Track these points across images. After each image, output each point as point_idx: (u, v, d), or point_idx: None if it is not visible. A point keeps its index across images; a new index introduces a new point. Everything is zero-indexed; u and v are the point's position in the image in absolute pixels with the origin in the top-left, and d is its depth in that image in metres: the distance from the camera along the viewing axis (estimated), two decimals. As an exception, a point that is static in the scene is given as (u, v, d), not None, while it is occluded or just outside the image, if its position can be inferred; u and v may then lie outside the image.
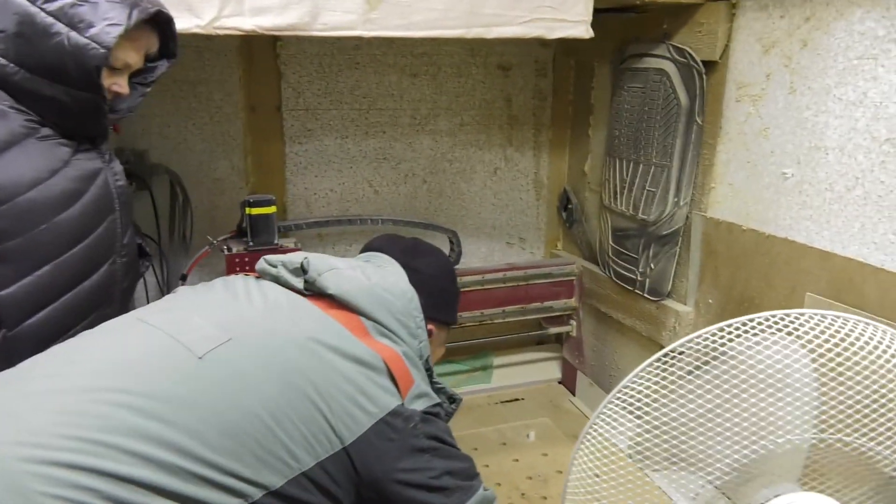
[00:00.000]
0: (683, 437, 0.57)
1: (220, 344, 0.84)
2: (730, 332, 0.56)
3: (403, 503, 0.88)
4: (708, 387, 0.55)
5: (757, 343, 0.56)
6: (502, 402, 2.18)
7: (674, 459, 0.58)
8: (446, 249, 2.10)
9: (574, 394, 2.22)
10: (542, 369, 2.32)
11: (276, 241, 1.64)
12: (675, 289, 1.76)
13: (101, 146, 1.03)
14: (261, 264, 1.02)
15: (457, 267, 2.09)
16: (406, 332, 0.99)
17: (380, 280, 1.00)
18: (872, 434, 0.56)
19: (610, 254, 1.96)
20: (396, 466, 0.87)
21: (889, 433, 0.56)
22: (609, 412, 0.60)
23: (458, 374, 2.22)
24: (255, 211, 1.61)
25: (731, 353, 0.55)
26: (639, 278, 1.83)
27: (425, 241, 1.21)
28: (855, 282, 1.25)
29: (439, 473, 0.90)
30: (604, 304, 2.05)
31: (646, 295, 1.81)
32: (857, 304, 1.24)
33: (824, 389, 0.56)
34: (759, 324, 0.56)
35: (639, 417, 0.58)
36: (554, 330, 2.21)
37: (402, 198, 2.13)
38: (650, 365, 0.57)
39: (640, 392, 0.58)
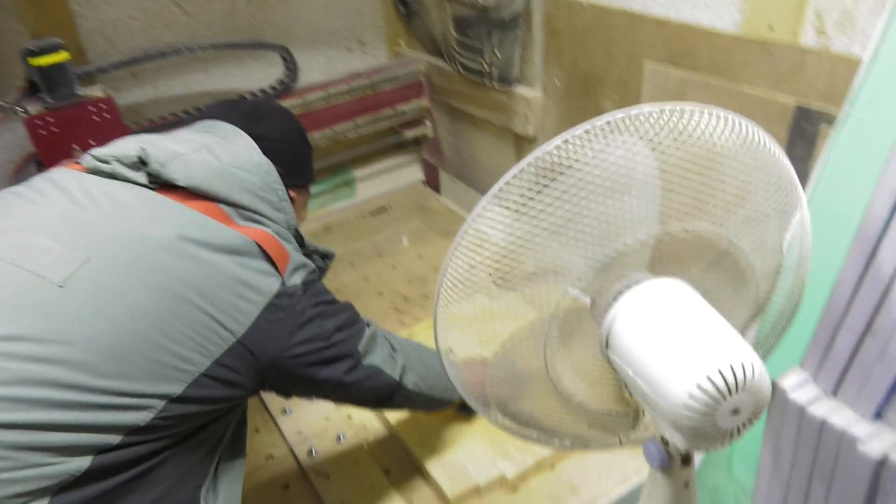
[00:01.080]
0: (541, 255, 0.57)
1: (80, 266, 0.75)
2: (573, 143, 0.54)
3: (304, 371, 0.90)
4: (558, 203, 0.54)
5: (602, 150, 0.55)
6: (371, 213, 2.18)
7: (534, 277, 0.59)
8: (279, 68, 1.93)
9: (439, 192, 2.26)
10: (404, 174, 2.31)
11: (78, 92, 1.42)
12: (522, 74, 1.73)
13: None
14: (90, 162, 0.87)
15: (298, 84, 1.94)
16: (270, 208, 0.93)
17: (230, 158, 0.90)
18: (708, 217, 0.59)
19: (454, 46, 1.87)
20: (290, 342, 0.87)
21: (722, 213, 0.59)
22: (466, 244, 0.59)
23: (322, 194, 2.17)
24: (43, 61, 1.37)
25: (577, 164, 0.54)
26: (486, 69, 1.78)
27: (266, 101, 1.09)
28: (689, 45, 1.27)
29: (330, 332, 0.92)
30: (455, 100, 2.01)
31: (495, 85, 1.78)
32: (691, 66, 1.27)
33: (665, 184, 0.57)
34: (601, 129, 0.54)
35: (492, 247, 0.57)
36: (410, 133, 2.17)
37: (218, 15, 1.87)
38: (494, 196, 0.56)
39: (486, 225, 0.57)
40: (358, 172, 2.23)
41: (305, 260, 0.95)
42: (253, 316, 0.83)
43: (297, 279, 0.90)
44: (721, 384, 0.51)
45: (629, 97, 1.45)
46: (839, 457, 0.80)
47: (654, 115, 0.56)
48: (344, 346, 0.94)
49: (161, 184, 0.86)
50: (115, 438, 0.74)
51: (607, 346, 0.60)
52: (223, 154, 0.90)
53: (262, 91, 1.90)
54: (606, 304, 0.61)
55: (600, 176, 0.55)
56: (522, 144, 1.87)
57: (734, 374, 0.51)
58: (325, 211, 2.17)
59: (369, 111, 2.02)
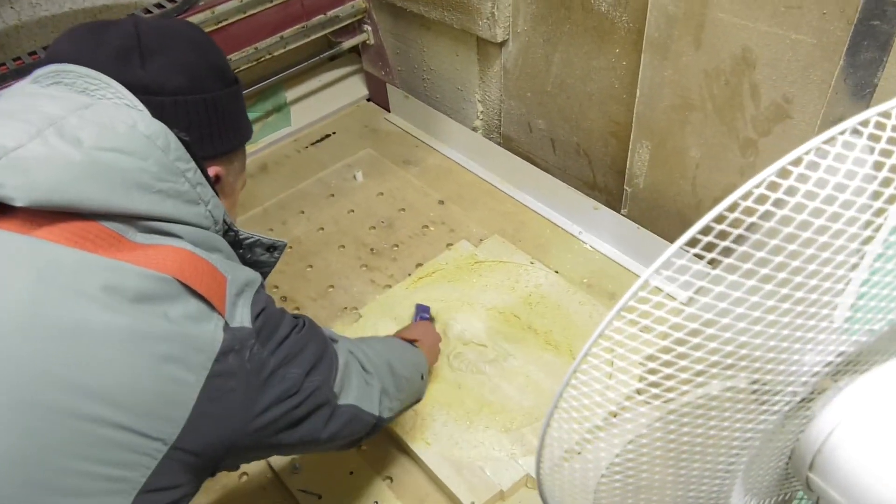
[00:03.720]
0: (730, 345, 0.34)
1: None
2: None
3: (270, 440, 0.64)
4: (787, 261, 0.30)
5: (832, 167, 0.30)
6: (312, 143, 1.86)
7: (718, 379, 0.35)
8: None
9: (389, 110, 1.94)
10: (344, 91, 1.97)
11: None
12: (486, -36, 1.40)
13: None
14: None
15: (202, -4, 1.55)
16: (180, 202, 0.59)
17: (97, 136, 0.55)
18: None
19: (395, -69, 1.51)
20: (250, 414, 0.60)
21: None
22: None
23: (251, 126, 1.82)
24: None
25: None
26: (440, -41, 1.44)
27: (153, 22, 0.67)
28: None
29: (300, 381, 0.65)
30: (400, -1, 1.66)
31: (452, -21, 1.45)
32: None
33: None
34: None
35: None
36: (348, 43, 1.82)
37: None
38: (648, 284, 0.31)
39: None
40: (289, 94, 1.88)
41: (247, 273, 0.64)
42: (189, 402, 0.54)
43: (243, 313, 0.60)
44: None
45: (634, -10, 1.17)
46: None
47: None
48: (319, 394, 0.68)
49: None
50: None
51: (811, 467, 0.38)
52: (85, 131, 0.55)
53: (157, 5, 1.50)
54: (807, 401, 0.38)
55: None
56: (489, 51, 1.56)
57: None
58: (258, 146, 1.83)
59: (296, 21, 1.65)
